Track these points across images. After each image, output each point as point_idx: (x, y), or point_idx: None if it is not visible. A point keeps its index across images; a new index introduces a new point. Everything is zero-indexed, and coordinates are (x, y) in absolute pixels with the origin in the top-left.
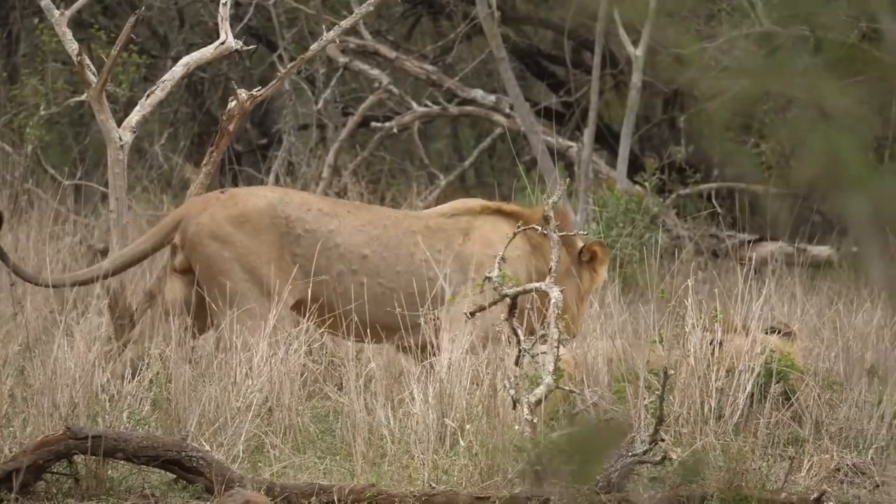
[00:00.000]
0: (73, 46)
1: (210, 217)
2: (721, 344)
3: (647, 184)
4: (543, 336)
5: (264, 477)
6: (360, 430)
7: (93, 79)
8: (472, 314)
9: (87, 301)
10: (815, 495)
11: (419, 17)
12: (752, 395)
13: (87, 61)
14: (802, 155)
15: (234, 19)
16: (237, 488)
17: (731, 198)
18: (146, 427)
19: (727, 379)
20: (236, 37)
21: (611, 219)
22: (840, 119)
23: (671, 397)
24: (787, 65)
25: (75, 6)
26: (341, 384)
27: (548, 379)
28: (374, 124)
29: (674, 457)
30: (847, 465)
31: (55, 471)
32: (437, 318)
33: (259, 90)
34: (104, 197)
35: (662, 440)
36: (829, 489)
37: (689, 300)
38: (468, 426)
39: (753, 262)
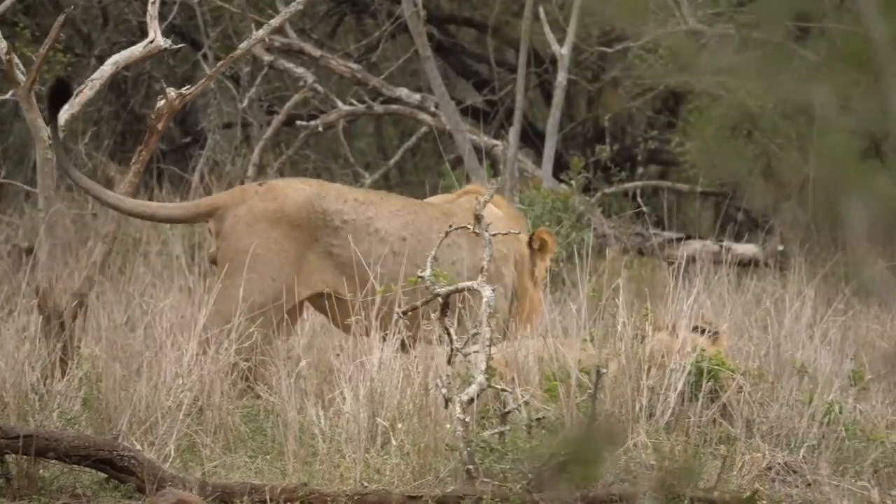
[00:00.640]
0: (1, 45)
1: (248, 210)
2: (643, 339)
3: (573, 182)
4: (475, 335)
5: (196, 476)
6: (292, 429)
7: (21, 77)
8: (405, 313)
9: (15, 301)
10: (748, 494)
11: (343, 16)
12: (683, 393)
13: (16, 59)
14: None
15: (160, 18)
16: (169, 488)
17: (657, 196)
18: (76, 426)
19: (658, 377)
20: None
21: (538, 217)
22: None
23: (602, 396)
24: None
25: (2, 6)
26: (271, 382)
27: (480, 378)
28: (299, 123)
29: (605, 455)
30: (779, 463)
31: None
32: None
33: (188, 89)
34: (28, 195)
35: None
36: (762, 488)
37: (620, 299)
38: (400, 425)
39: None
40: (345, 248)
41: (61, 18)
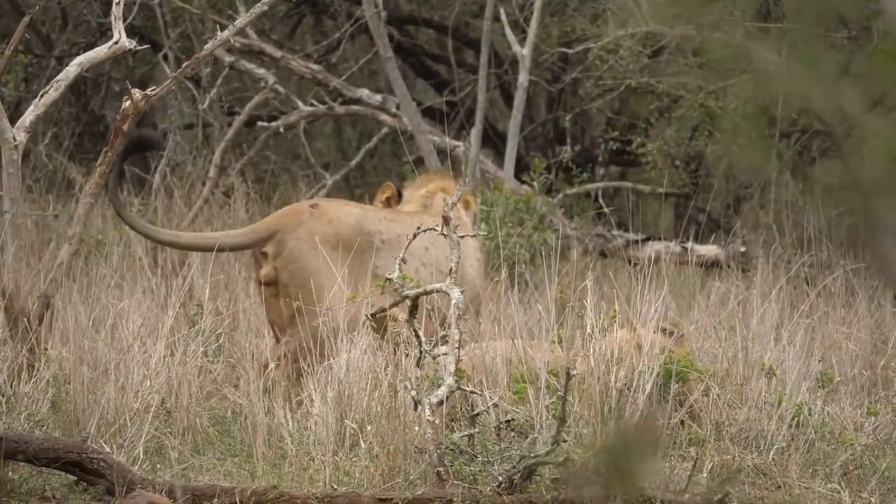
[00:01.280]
0: None
1: (308, 232)
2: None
3: (535, 183)
4: (444, 337)
5: (166, 478)
6: (260, 431)
7: None
8: (374, 315)
9: None
10: (719, 496)
11: (302, 17)
12: (651, 395)
13: None
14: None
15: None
16: (139, 490)
17: (617, 197)
18: (44, 429)
19: (626, 379)
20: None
21: (500, 219)
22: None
23: (570, 398)
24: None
25: None
26: (238, 384)
27: (449, 380)
28: (260, 124)
29: (576, 457)
30: (748, 465)
31: None
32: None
33: (153, 90)
34: None
35: (565, 441)
36: (732, 490)
37: (588, 300)
38: (369, 427)
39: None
40: (386, 267)
41: (26, 19)
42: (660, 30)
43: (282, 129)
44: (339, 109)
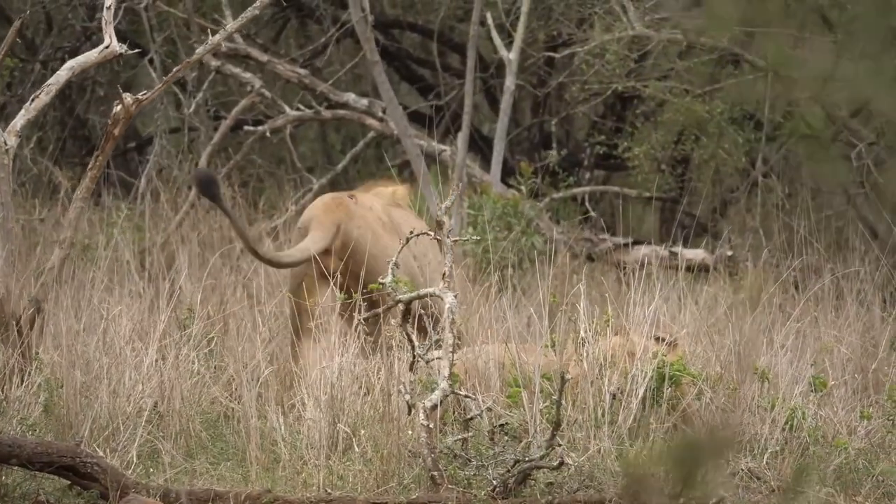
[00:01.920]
0: None
1: (364, 221)
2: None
3: (522, 187)
4: (438, 341)
5: (159, 483)
6: (254, 435)
7: None
8: (367, 319)
9: None
10: (714, 500)
11: (287, 21)
12: (645, 399)
13: None
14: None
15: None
16: (133, 494)
17: (602, 201)
18: (36, 433)
19: (620, 384)
20: (101, 41)
21: (487, 222)
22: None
23: (564, 402)
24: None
25: None
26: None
27: (443, 384)
28: (246, 128)
29: (570, 462)
30: (742, 469)
31: None
32: None
33: (145, 94)
34: None
35: (559, 445)
36: (726, 494)
37: (582, 305)
38: (362, 431)
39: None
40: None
41: (17, 24)
42: (646, 34)
43: (268, 134)
44: (326, 114)
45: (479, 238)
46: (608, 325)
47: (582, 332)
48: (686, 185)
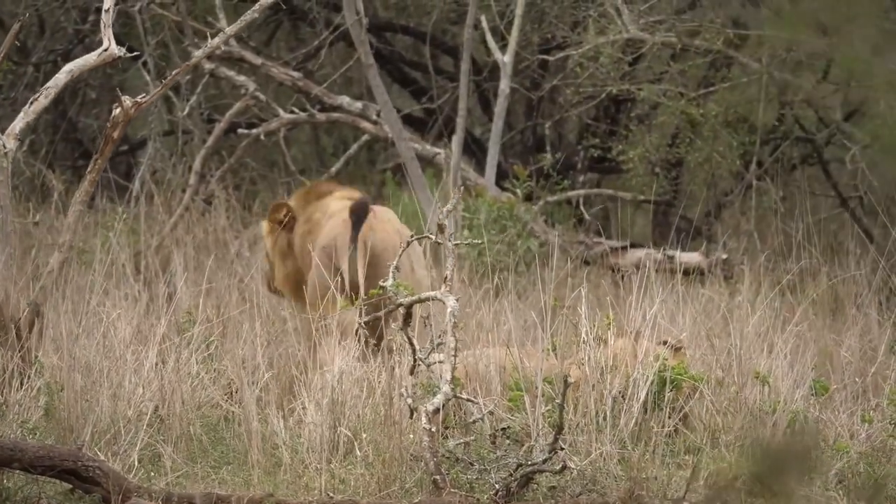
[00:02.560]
0: None
1: (385, 232)
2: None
3: (518, 191)
4: (440, 345)
5: (161, 486)
6: (255, 439)
7: None
8: (367, 323)
9: None
10: None
11: (279, 24)
12: (646, 403)
13: None
14: None
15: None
16: (135, 498)
17: (597, 205)
18: (36, 436)
19: (621, 387)
20: (96, 44)
21: (482, 225)
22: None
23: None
24: None
25: None
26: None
27: (445, 388)
28: (240, 131)
29: (572, 466)
30: (744, 473)
31: None
32: None
33: (143, 97)
34: None
35: (562, 449)
36: (729, 498)
37: (583, 308)
38: (364, 435)
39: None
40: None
41: (16, 27)
42: (640, 37)
43: (262, 137)
44: (320, 117)
45: (480, 242)
46: (610, 329)
47: (583, 336)
48: (680, 188)
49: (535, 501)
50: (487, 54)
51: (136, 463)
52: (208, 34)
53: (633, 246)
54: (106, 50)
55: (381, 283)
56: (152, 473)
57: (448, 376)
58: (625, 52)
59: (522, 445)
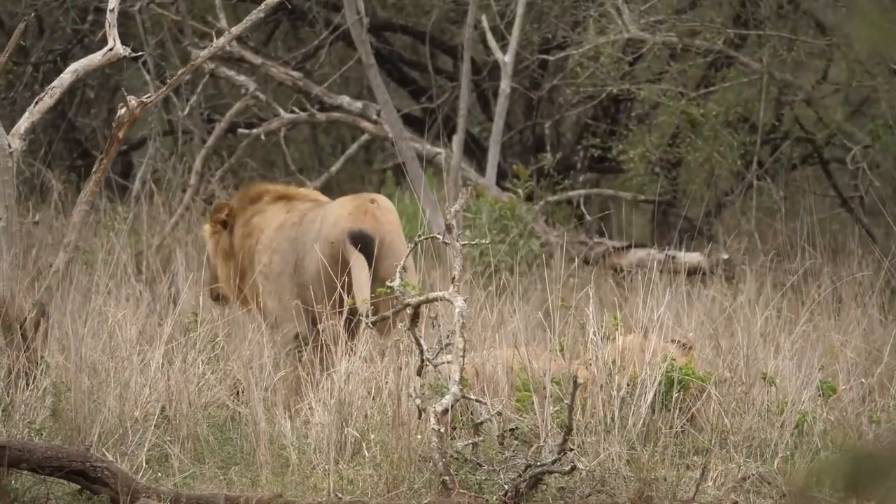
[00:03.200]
0: None
1: (392, 225)
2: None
3: (520, 191)
4: (448, 345)
5: (169, 487)
6: (262, 439)
7: None
8: (375, 323)
9: None
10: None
11: (278, 24)
12: (654, 404)
13: None
14: None
15: (96, 26)
16: (143, 499)
17: (596, 204)
18: (42, 436)
19: (629, 388)
20: (95, 44)
21: (484, 225)
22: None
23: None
24: None
25: None
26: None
27: (454, 388)
28: (240, 131)
29: (581, 467)
30: (753, 474)
31: None
32: None
33: (149, 96)
34: None
35: (571, 450)
36: (738, 499)
37: (591, 308)
38: (372, 436)
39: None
40: None
41: (21, 27)
42: (640, 36)
43: (263, 136)
44: (321, 116)
45: (487, 242)
46: (617, 329)
47: (591, 335)
48: (680, 187)
49: (544, 502)
50: (487, 54)
51: (144, 464)
52: (213, 34)
53: (634, 246)
54: (111, 50)
55: (387, 283)
56: (160, 474)
57: (456, 377)
58: (625, 51)
59: (531, 446)
